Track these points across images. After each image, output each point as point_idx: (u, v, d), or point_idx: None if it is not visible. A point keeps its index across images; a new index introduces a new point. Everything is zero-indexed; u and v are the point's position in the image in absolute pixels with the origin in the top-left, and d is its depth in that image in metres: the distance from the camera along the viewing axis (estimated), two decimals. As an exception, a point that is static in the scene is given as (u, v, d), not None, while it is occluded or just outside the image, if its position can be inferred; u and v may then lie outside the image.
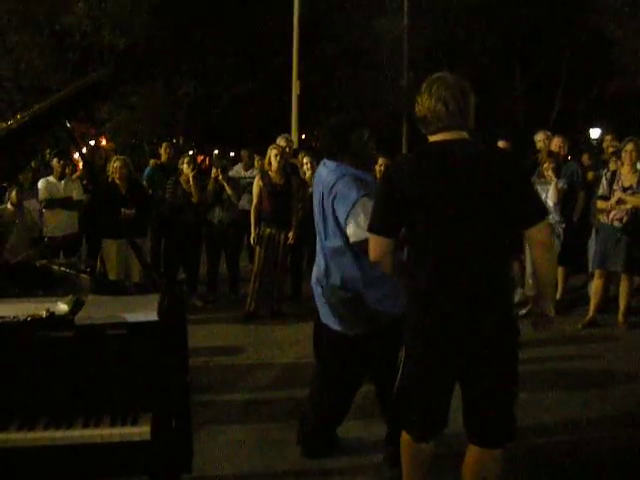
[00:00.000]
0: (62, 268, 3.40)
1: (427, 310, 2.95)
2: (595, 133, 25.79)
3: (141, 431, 2.31)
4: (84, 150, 12.52)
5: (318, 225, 3.88)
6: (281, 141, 8.52)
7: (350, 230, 3.58)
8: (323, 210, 3.77)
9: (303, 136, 22.95)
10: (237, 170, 10.22)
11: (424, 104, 3.00)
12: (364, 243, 3.31)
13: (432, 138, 3.04)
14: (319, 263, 3.91)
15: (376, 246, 3.08)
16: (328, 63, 24.10)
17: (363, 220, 3.43)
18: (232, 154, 24.58)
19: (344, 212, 3.59)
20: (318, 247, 3.93)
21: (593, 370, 6.07)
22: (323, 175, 3.84)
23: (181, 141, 27.48)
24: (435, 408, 3.12)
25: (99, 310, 2.57)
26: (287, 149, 8.38)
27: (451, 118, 2.95)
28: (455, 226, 2.89)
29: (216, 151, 15.97)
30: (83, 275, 3.32)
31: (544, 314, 3.15)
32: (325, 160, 3.90)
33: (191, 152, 22.54)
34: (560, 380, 5.77)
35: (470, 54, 25.35)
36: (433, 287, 2.94)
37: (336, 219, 3.68)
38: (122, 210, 7.69)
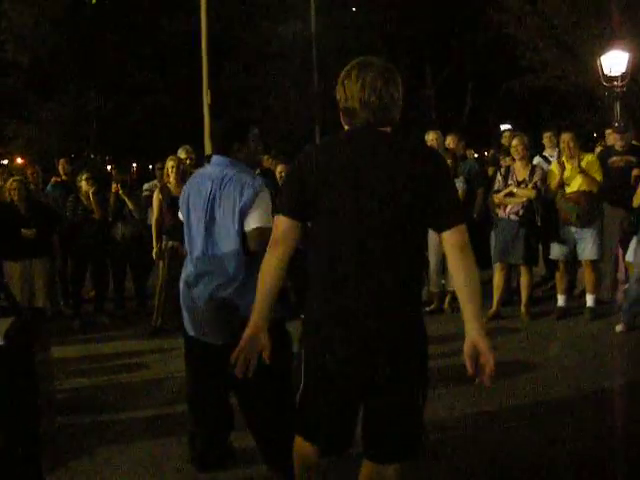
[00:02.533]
0: None
1: (327, 317, 2.70)
2: (503, 129, 26.41)
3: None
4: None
5: (196, 228, 3.79)
6: (181, 153, 8.43)
7: (255, 216, 3.55)
8: (212, 208, 3.70)
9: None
10: (153, 184, 10.00)
11: (352, 92, 2.66)
12: (267, 231, 3.27)
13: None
14: (190, 269, 3.84)
15: (280, 225, 2.76)
16: (237, 72, 24.05)
17: (267, 207, 3.45)
18: (150, 167, 24.29)
19: (248, 200, 3.56)
20: (190, 252, 3.87)
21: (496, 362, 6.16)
22: (213, 172, 3.78)
23: (98, 156, 27.01)
24: (341, 424, 2.87)
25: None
26: (188, 160, 8.30)
27: (385, 112, 2.66)
28: (363, 225, 2.60)
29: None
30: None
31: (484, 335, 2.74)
32: (215, 157, 3.84)
33: (109, 167, 22.12)
34: (458, 374, 5.79)
35: (379, 56, 25.67)
36: (332, 291, 2.68)
37: (231, 215, 3.61)
38: (22, 230, 7.54)
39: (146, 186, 9.41)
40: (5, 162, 24.18)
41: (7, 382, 2.36)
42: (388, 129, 2.71)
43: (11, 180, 8.15)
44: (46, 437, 2.49)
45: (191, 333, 3.92)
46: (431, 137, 8.05)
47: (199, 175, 3.96)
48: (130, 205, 8.28)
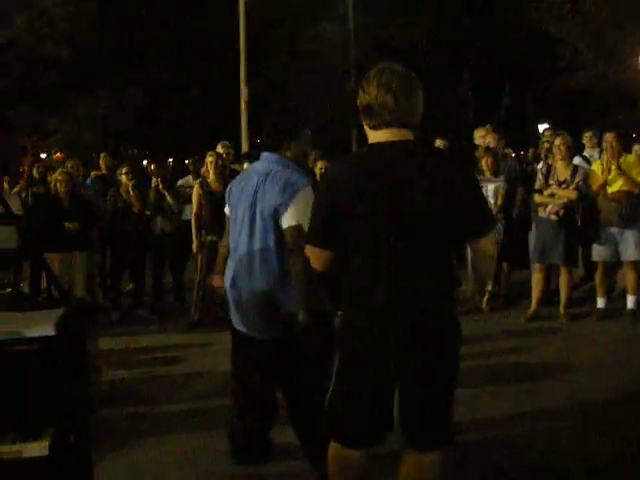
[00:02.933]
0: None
1: (363, 314, 2.77)
2: (544, 128, 26.15)
3: (40, 446, 2.27)
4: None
5: (241, 223, 3.80)
6: (219, 148, 8.47)
7: (291, 214, 3.55)
8: (255, 204, 3.71)
9: (259, 141, 22.86)
10: (187, 179, 10.07)
11: (370, 93, 2.72)
12: (299, 229, 3.34)
13: (373, 135, 2.79)
14: (234, 266, 3.85)
15: (316, 258, 2.88)
16: (275, 68, 24.11)
17: (305, 205, 3.39)
18: (186, 162, 24.43)
19: (288, 197, 3.56)
20: (234, 248, 3.88)
21: (530, 364, 6.14)
22: (260, 167, 3.82)
23: (136, 151, 27.27)
24: (377, 411, 2.92)
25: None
26: (225, 155, 8.32)
27: (399, 113, 2.71)
28: (397, 240, 2.66)
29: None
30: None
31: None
32: (264, 153, 3.85)
33: (145, 161, 22.32)
34: (500, 375, 5.81)
35: (416, 54, 25.61)
36: (366, 295, 2.75)
37: (272, 211, 3.62)
38: (65, 224, 7.66)
39: (180, 182, 9.49)
40: (43, 156, 24.51)
41: (60, 373, 2.39)
42: (409, 135, 2.77)
43: (59, 171, 8.29)
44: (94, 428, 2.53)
45: (238, 327, 3.95)
46: (480, 134, 8.05)
47: (247, 171, 3.99)
48: (169, 200, 8.35)
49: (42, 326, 2.40)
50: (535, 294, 7.68)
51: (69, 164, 10.53)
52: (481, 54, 28.33)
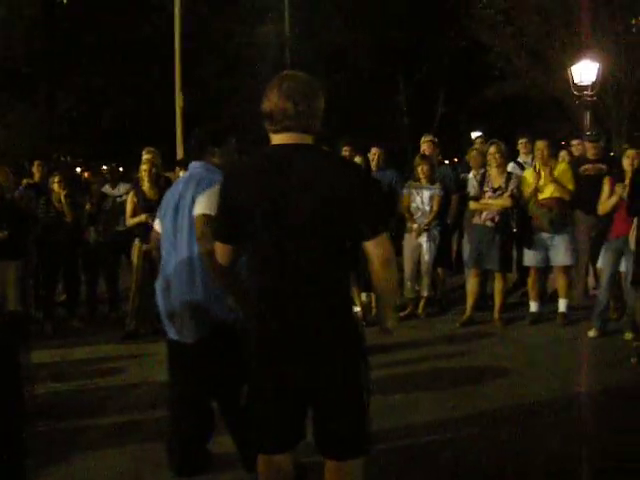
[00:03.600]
0: None
1: (264, 323, 2.82)
2: (475, 136, 26.63)
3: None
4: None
5: (167, 230, 3.86)
6: (145, 154, 7.99)
7: (201, 203, 3.60)
8: (177, 210, 3.77)
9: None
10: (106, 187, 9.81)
11: (272, 100, 2.79)
12: (206, 217, 3.46)
13: (275, 139, 2.85)
14: (164, 274, 3.89)
15: (221, 253, 2.95)
16: (210, 74, 23.96)
17: (215, 198, 3.32)
18: (121, 169, 24.06)
19: (202, 190, 3.65)
20: (164, 257, 3.90)
21: (467, 368, 6.23)
22: (186, 175, 3.91)
23: (68, 158, 26.72)
24: (284, 423, 2.91)
25: None
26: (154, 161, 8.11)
27: (298, 118, 2.77)
28: (290, 240, 2.73)
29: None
30: None
31: (387, 331, 3.01)
32: (192, 162, 3.91)
33: (79, 169, 21.89)
34: (434, 380, 5.89)
35: (353, 61, 25.86)
36: (266, 304, 2.81)
37: (192, 206, 3.69)
38: None
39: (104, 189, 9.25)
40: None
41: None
42: (309, 140, 2.83)
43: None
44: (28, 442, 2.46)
45: (171, 336, 3.94)
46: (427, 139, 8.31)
47: (176, 181, 4.05)
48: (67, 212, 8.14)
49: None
50: (470, 299, 7.80)
51: (-1, 173, 10.29)
52: (418, 61, 28.70)
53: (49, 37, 22.25)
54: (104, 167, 27.25)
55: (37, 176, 9.42)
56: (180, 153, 17.60)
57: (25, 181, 9.88)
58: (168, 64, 18.87)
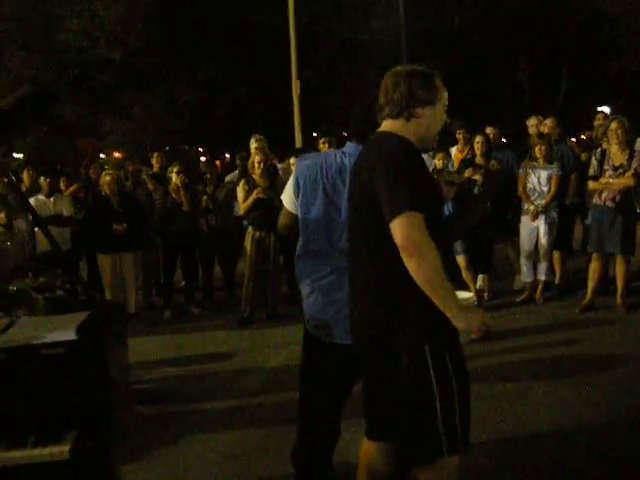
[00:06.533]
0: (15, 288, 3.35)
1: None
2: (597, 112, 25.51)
3: (61, 451, 2.26)
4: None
5: (341, 224, 3.20)
6: (254, 142, 8.15)
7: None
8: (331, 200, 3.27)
9: (314, 134, 22.81)
10: (234, 175, 10.07)
11: (381, 94, 2.87)
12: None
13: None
14: (335, 278, 3.25)
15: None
16: (326, 61, 24.05)
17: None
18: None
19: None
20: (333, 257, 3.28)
21: (586, 356, 5.96)
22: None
23: (192, 147, 27.56)
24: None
25: (21, 331, 2.54)
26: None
27: (383, 109, 2.84)
28: (353, 230, 2.85)
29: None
30: (37, 296, 3.25)
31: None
32: (349, 145, 3.34)
33: (203, 158, 22.49)
34: (551, 368, 5.67)
35: (471, 40, 25.23)
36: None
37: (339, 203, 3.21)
38: (114, 225, 7.83)
39: (228, 178, 9.45)
40: (102, 156, 24.98)
41: (79, 376, 2.39)
42: (395, 126, 2.80)
43: (104, 174, 8.38)
44: (121, 429, 2.51)
45: (312, 331, 3.44)
46: (531, 122, 7.90)
47: (352, 167, 3.23)
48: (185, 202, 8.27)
49: (64, 330, 2.40)
50: (591, 284, 7.45)
51: (130, 167, 10.72)
52: (537, 38, 27.69)
53: (163, 32, 22.82)
54: (227, 155, 27.95)
55: (156, 167, 9.73)
56: (298, 140, 17.71)
57: (145, 172, 10.20)
58: (284, 52, 19.04)
